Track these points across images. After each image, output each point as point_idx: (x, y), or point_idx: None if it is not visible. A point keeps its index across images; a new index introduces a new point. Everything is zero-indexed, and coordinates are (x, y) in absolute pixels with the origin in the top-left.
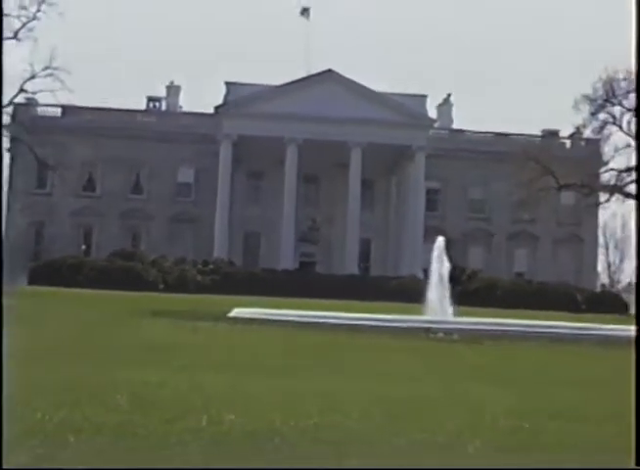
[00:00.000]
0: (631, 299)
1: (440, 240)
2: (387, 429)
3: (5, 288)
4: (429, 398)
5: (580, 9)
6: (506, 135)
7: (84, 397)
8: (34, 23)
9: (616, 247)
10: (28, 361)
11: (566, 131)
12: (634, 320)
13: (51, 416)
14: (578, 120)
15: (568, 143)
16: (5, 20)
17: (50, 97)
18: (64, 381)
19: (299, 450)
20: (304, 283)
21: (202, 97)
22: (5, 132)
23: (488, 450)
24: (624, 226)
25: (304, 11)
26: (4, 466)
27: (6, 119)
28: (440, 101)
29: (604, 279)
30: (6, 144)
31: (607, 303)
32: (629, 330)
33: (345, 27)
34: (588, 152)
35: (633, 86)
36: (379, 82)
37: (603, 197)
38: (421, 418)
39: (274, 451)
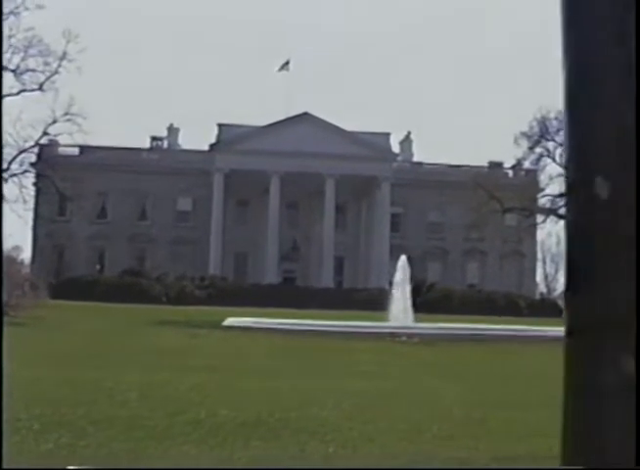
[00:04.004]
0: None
1: (403, 259)
2: (356, 419)
3: (29, 302)
4: (392, 391)
5: (515, 57)
6: (458, 166)
7: (100, 395)
8: (56, 76)
9: (551, 260)
10: (53, 364)
11: (508, 162)
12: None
13: (73, 411)
14: (519, 154)
15: (510, 173)
16: (32, 74)
17: (69, 138)
18: (82, 382)
19: (283, 438)
20: (287, 295)
21: (197, 136)
22: (32, 169)
23: (444, 437)
24: (559, 243)
25: (285, 65)
26: (4, 466)
27: (32, 158)
28: (402, 137)
29: (542, 288)
30: (32, 179)
31: (545, 308)
32: (558, 331)
33: (322, 74)
34: (527, 180)
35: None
36: (349, 121)
37: (540, 218)
38: (385, 409)
39: (261, 439)
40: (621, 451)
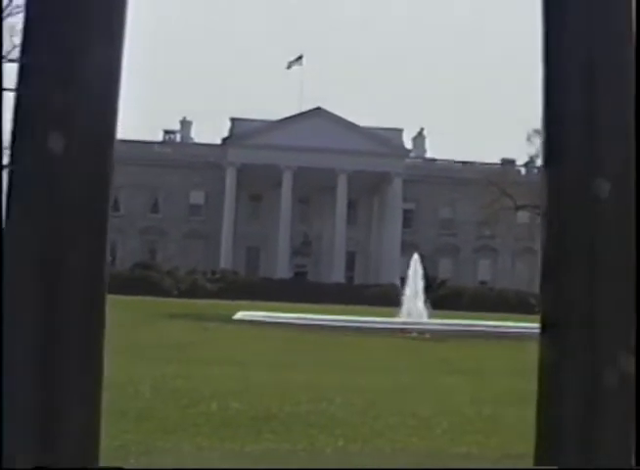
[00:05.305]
0: None
1: (416, 256)
2: (366, 414)
3: None
4: (403, 387)
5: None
6: (471, 163)
7: (112, 388)
8: None
9: None
10: None
11: (521, 160)
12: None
13: None
14: (532, 151)
15: (522, 170)
16: None
17: None
18: None
19: (293, 432)
20: (298, 290)
21: (210, 130)
22: None
23: (454, 433)
24: None
25: (298, 59)
26: (4, 466)
27: None
28: (415, 134)
29: None
30: None
31: None
32: None
33: (336, 69)
34: (540, 177)
35: None
36: (362, 116)
37: None
38: (396, 405)
39: (271, 433)
40: (581, 449)
